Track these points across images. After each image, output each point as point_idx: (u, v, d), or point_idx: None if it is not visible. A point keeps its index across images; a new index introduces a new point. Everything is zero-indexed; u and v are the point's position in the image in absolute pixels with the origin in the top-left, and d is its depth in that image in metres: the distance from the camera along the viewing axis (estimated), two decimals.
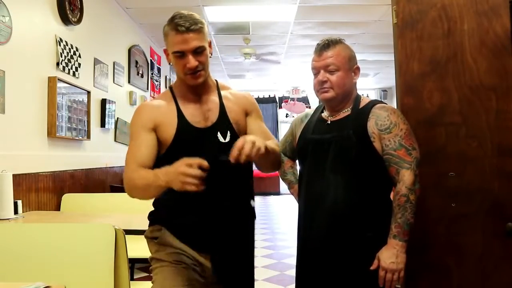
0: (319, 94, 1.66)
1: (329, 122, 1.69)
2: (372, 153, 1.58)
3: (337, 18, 5.40)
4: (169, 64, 1.54)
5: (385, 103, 1.70)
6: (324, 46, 1.63)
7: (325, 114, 1.73)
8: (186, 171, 1.18)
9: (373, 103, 1.66)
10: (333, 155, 1.60)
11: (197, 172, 1.18)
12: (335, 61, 1.61)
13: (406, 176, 1.53)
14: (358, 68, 1.68)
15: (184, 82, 1.50)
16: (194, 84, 1.48)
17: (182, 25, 1.39)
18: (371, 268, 1.52)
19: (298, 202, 1.81)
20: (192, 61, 1.42)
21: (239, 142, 1.26)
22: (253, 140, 1.27)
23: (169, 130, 1.46)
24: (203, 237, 1.47)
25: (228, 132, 1.50)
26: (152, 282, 1.47)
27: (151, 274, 1.51)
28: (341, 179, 1.58)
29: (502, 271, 1.65)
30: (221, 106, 1.53)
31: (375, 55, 7.31)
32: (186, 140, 1.46)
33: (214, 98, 1.54)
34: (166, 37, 1.46)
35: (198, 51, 1.43)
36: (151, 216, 1.56)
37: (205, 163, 1.21)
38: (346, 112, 1.67)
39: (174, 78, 7.66)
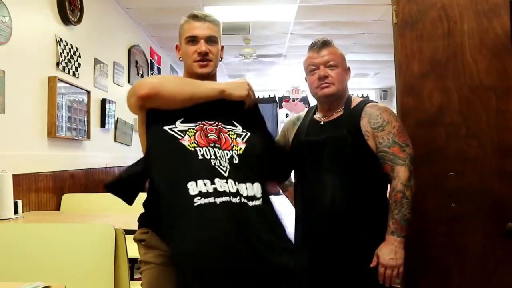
0: (319, 90, 1.65)
1: (322, 123, 1.70)
2: (367, 152, 1.59)
3: (337, 18, 5.40)
4: (179, 59, 1.51)
5: (376, 102, 1.71)
6: (323, 44, 1.66)
7: (317, 115, 1.74)
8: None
9: (364, 102, 1.67)
10: (328, 155, 1.61)
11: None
12: (334, 58, 1.64)
13: (401, 173, 1.53)
14: (349, 69, 1.72)
15: (191, 75, 1.47)
16: (202, 73, 1.45)
17: (200, 13, 1.46)
18: (371, 265, 1.53)
19: (293, 204, 1.80)
20: (203, 46, 1.43)
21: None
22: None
23: None
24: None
25: None
26: (141, 285, 1.47)
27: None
28: (338, 179, 1.58)
29: (502, 271, 1.65)
30: None
31: (375, 55, 7.31)
32: None
33: None
34: (181, 27, 1.48)
35: (211, 40, 1.45)
36: (139, 218, 1.55)
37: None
38: (338, 112, 1.68)
39: None
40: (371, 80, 9.82)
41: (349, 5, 4.97)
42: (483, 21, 1.70)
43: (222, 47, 1.52)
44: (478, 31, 1.70)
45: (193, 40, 1.44)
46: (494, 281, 1.65)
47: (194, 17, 1.46)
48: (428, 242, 1.70)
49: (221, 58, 1.52)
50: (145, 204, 1.53)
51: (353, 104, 1.68)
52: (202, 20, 1.45)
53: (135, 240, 1.52)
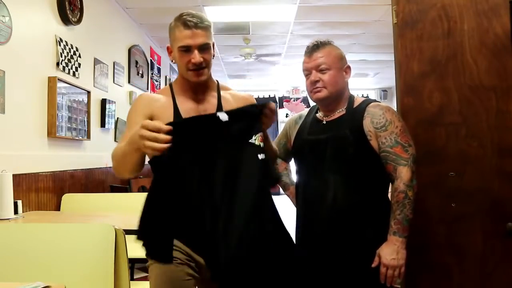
0: (313, 95, 1.67)
1: (324, 122, 1.70)
2: (369, 152, 1.59)
3: (337, 18, 5.40)
4: (172, 61, 1.52)
5: (379, 102, 1.71)
6: (314, 47, 1.66)
7: (319, 114, 1.74)
8: (145, 133, 1.15)
9: (367, 102, 1.67)
10: (330, 155, 1.61)
11: (156, 135, 1.14)
12: (326, 61, 1.63)
13: (403, 173, 1.53)
14: (349, 68, 1.70)
15: (185, 79, 1.50)
16: (197, 82, 1.48)
17: (191, 20, 1.43)
18: (372, 265, 1.53)
19: (295, 204, 1.80)
20: (197, 57, 1.43)
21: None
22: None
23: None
24: (196, 235, 1.45)
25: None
26: (149, 278, 1.48)
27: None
28: (340, 179, 1.58)
29: (502, 271, 1.65)
30: (219, 107, 1.53)
31: (375, 55, 7.31)
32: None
33: (212, 99, 1.54)
34: (173, 32, 1.48)
35: (204, 48, 1.45)
36: None
37: (164, 127, 1.16)
38: (340, 112, 1.68)
39: (174, 78, 7.65)
40: (371, 80, 9.82)
41: (349, 5, 4.98)
42: (483, 21, 1.70)
43: (214, 44, 1.52)
44: (478, 31, 1.70)
45: (186, 50, 1.44)
46: (494, 281, 1.65)
47: (185, 25, 1.43)
48: (428, 242, 1.70)
49: (213, 56, 1.53)
50: None
51: (356, 103, 1.68)
52: (193, 27, 1.43)
53: None
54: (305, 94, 10.51)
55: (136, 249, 1.95)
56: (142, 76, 5.65)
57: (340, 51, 1.68)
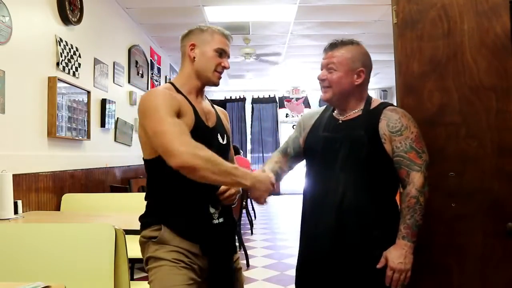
0: (322, 94, 1.72)
1: (340, 121, 1.70)
2: (382, 154, 1.59)
3: (337, 18, 5.40)
4: (192, 58, 1.58)
5: (395, 105, 1.70)
6: (332, 45, 1.68)
7: (336, 112, 1.74)
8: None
9: (384, 105, 1.67)
10: (343, 154, 1.61)
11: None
12: (336, 61, 1.64)
13: (416, 178, 1.54)
14: (362, 71, 1.67)
15: (195, 79, 1.59)
16: (215, 83, 1.61)
17: (227, 33, 1.63)
18: (378, 266, 1.53)
19: (303, 199, 1.77)
20: (227, 63, 1.61)
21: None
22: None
23: (189, 120, 1.50)
24: (204, 227, 1.51)
25: (225, 135, 1.66)
26: (150, 282, 1.47)
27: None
28: (351, 178, 1.59)
29: (503, 271, 1.65)
30: (216, 112, 1.68)
31: (375, 55, 7.22)
32: (201, 135, 1.49)
33: (208, 105, 1.67)
34: (208, 34, 1.60)
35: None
36: (146, 218, 1.55)
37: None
38: (357, 112, 1.68)
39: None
40: (371, 80, 9.76)
41: (349, 5, 4.98)
42: (483, 21, 1.70)
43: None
44: (478, 31, 1.70)
45: (222, 53, 1.59)
46: (494, 281, 1.65)
47: (223, 34, 1.61)
48: (428, 242, 1.70)
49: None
50: (154, 203, 1.54)
51: (373, 105, 1.68)
52: (228, 39, 1.64)
53: (144, 238, 1.52)
54: (305, 94, 10.56)
55: (136, 249, 1.95)
56: (142, 76, 5.65)
57: (354, 53, 1.65)
